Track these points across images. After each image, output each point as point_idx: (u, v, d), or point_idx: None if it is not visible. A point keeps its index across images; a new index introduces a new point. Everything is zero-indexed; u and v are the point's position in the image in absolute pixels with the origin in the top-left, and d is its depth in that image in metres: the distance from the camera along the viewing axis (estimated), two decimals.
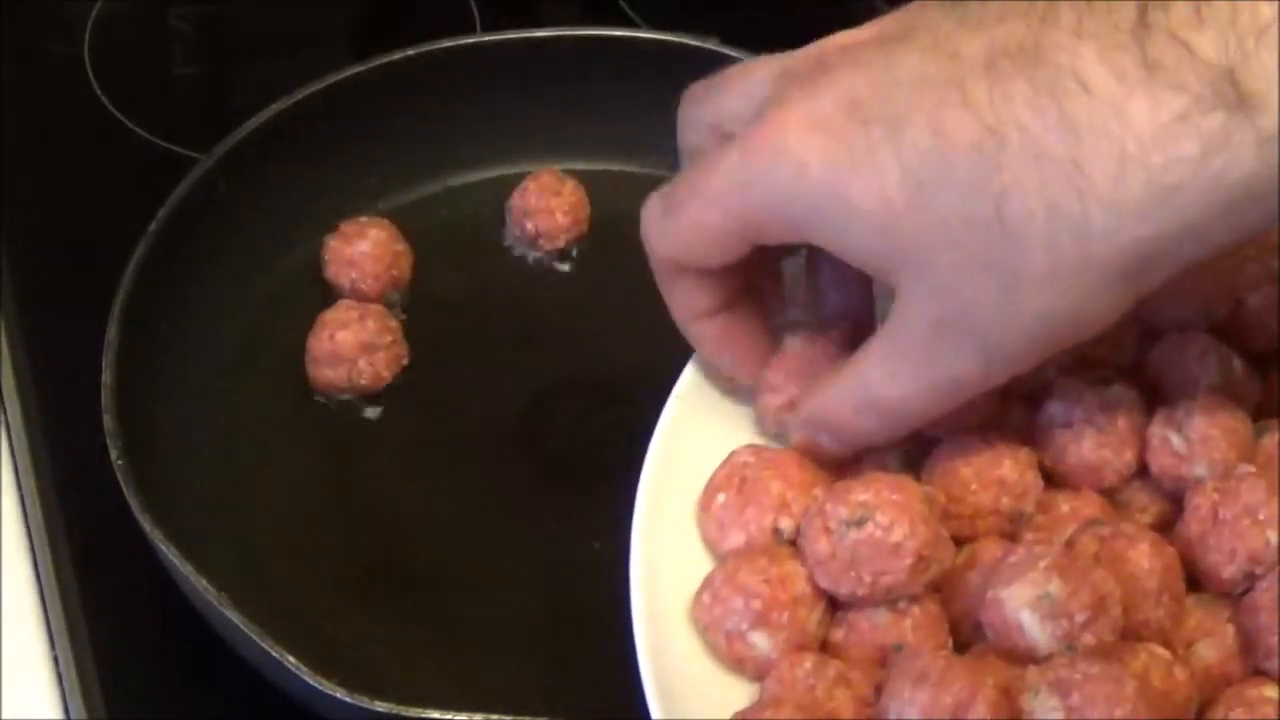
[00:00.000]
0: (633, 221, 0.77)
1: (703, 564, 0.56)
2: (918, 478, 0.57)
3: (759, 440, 0.58)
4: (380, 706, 0.57)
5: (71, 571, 0.67)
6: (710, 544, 0.57)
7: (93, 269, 0.71)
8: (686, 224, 0.52)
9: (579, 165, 0.78)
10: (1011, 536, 0.57)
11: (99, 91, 0.85)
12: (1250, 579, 0.54)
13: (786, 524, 0.55)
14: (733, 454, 0.58)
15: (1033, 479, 0.57)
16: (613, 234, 0.78)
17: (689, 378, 0.60)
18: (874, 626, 0.54)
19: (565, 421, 0.72)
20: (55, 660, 0.66)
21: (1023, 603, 0.51)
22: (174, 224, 0.70)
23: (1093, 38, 0.44)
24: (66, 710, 0.65)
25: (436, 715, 0.58)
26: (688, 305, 0.55)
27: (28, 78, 0.86)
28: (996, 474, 0.56)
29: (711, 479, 0.57)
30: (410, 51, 0.77)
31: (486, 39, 0.79)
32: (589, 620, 0.58)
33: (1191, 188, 0.44)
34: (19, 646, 0.66)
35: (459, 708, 0.58)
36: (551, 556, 0.67)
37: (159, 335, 0.69)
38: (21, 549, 0.69)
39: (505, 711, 0.58)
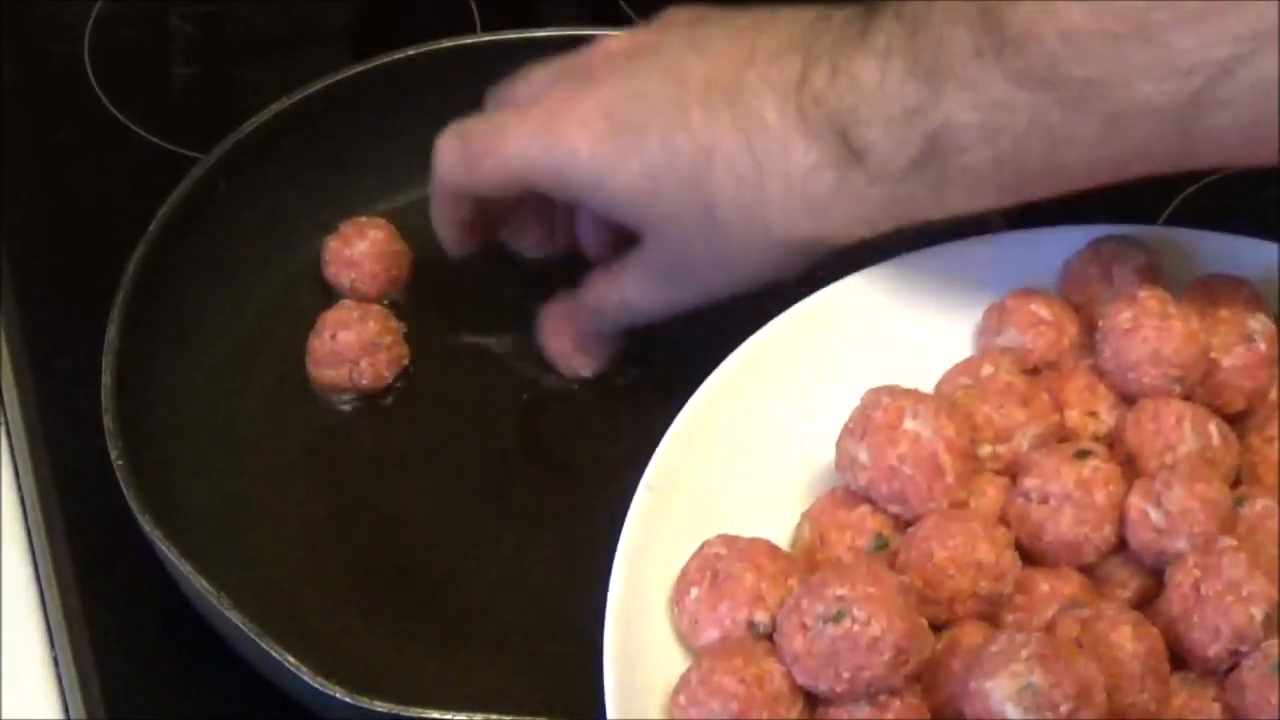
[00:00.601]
0: None
1: (678, 659, 0.56)
2: (892, 564, 0.57)
3: (730, 529, 0.58)
4: (380, 706, 0.57)
5: (71, 571, 0.67)
6: (685, 639, 0.56)
7: (93, 269, 0.71)
8: (480, 169, 0.67)
9: None
10: (991, 618, 0.56)
11: (99, 91, 0.85)
12: (1235, 656, 0.53)
13: (761, 617, 0.55)
14: (704, 545, 0.57)
15: (1010, 560, 0.56)
16: None
17: (658, 467, 0.59)
18: None
19: (565, 421, 0.72)
20: (55, 660, 0.66)
21: (1006, 695, 0.50)
22: (174, 224, 0.70)
23: (773, 87, 0.60)
24: (66, 710, 0.65)
25: (436, 715, 0.58)
26: (454, 214, 0.71)
27: (28, 78, 0.86)
28: (973, 557, 0.55)
29: (683, 571, 0.57)
30: (410, 51, 0.77)
31: (486, 39, 0.79)
32: (589, 620, 0.58)
33: (834, 206, 0.60)
34: (19, 646, 0.67)
35: (459, 708, 0.58)
36: (551, 556, 0.67)
37: (159, 335, 0.69)
38: (21, 549, 0.69)
39: (505, 711, 0.58)
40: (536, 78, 0.69)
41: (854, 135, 0.58)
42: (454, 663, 0.64)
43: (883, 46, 0.58)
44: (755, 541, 0.57)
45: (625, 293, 0.68)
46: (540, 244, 0.73)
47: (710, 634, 0.56)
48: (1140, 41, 0.53)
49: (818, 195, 0.60)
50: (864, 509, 0.58)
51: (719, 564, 0.56)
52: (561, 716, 0.59)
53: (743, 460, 0.62)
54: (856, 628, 0.52)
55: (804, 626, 0.53)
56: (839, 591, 0.52)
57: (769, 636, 0.55)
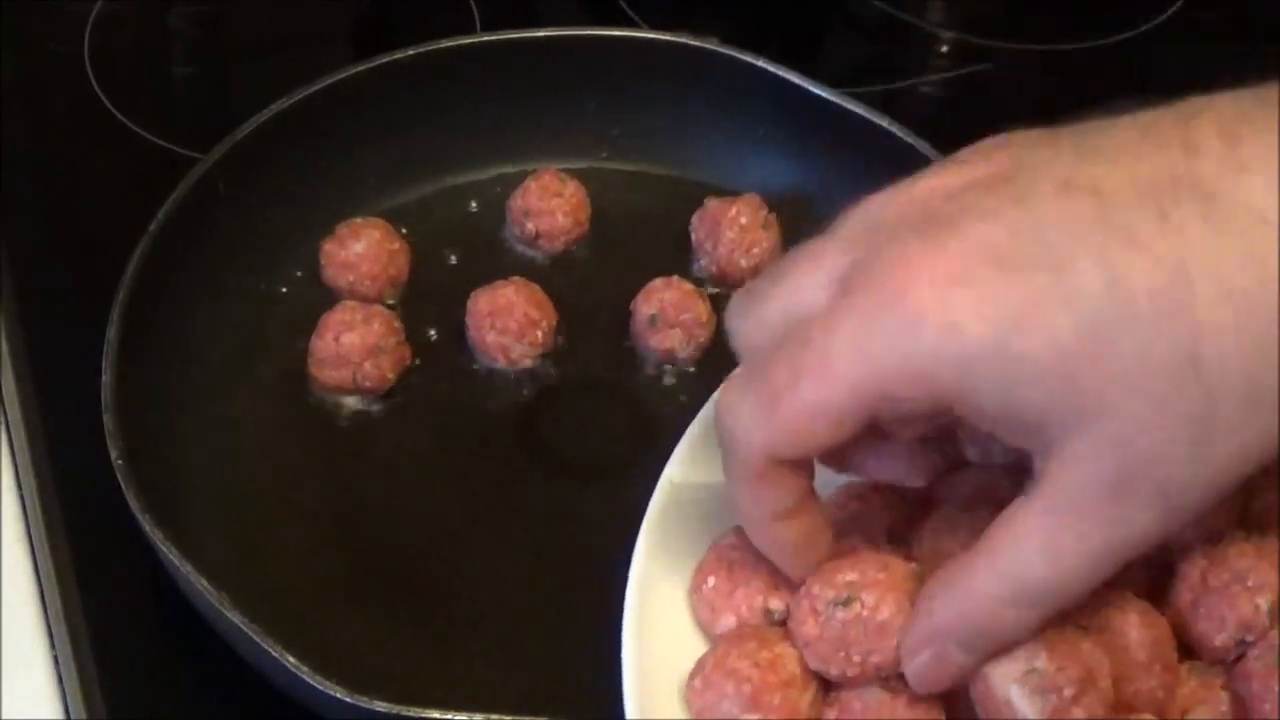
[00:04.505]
0: (633, 221, 0.77)
1: (696, 648, 0.56)
2: (906, 554, 0.57)
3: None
4: (380, 706, 0.57)
5: (71, 571, 0.67)
6: (703, 626, 0.57)
7: (93, 269, 0.71)
8: (799, 410, 0.46)
9: (579, 165, 0.78)
10: None
11: (99, 91, 0.85)
12: (1242, 646, 0.54)
13: (777, 605, 0.55)
14: (721, 536, 0.57)
15: None
16: (612, 234, 0.78)
17: (678, 461, 0.59)
18: (866, 706, 0.53)
19: (565, 421, 0.72)
20: (55, 660, 0.66)
21: (1010, 679, 0.50)
22: (174, 224, 0.70)
23: (1256, 169, 0.43)
24: (66, 710, 0.65)
25: (436, 715, 0.58)
26: (774, 502, 0.49)
27: (28, 77, 0.86)
28: None
29: (700, 563, 0.57)
30: (410, 51, 0.77)
31: (486, 39, 0.79)
32: (589, 620, 0.58)
33: None
34: (19, 646, 0.67)
35: (459, 708, 0.58)
36: (551, 556, 0.67)
37: (159, 335, 0.69)
38: (21, 549, 0.69)
39: (505, 711, 0.58)
40: (822, 265, 0.47)
41: None
42: (454, 663, 0.64)
43: None
44: None
45: (1018, 563, 0.47)
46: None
47: (727, 620, 0.56)
48: None
49: None
50: (877, 502, 0.59)
51: (735, 554, 0.56)
52: (561, 716, 0.59)
53: None
54: (865, 613, 0.52)
55: (815, 612, 0.53)
56: (848, 577, 0.52)
57: (784, 623, 0.55)
